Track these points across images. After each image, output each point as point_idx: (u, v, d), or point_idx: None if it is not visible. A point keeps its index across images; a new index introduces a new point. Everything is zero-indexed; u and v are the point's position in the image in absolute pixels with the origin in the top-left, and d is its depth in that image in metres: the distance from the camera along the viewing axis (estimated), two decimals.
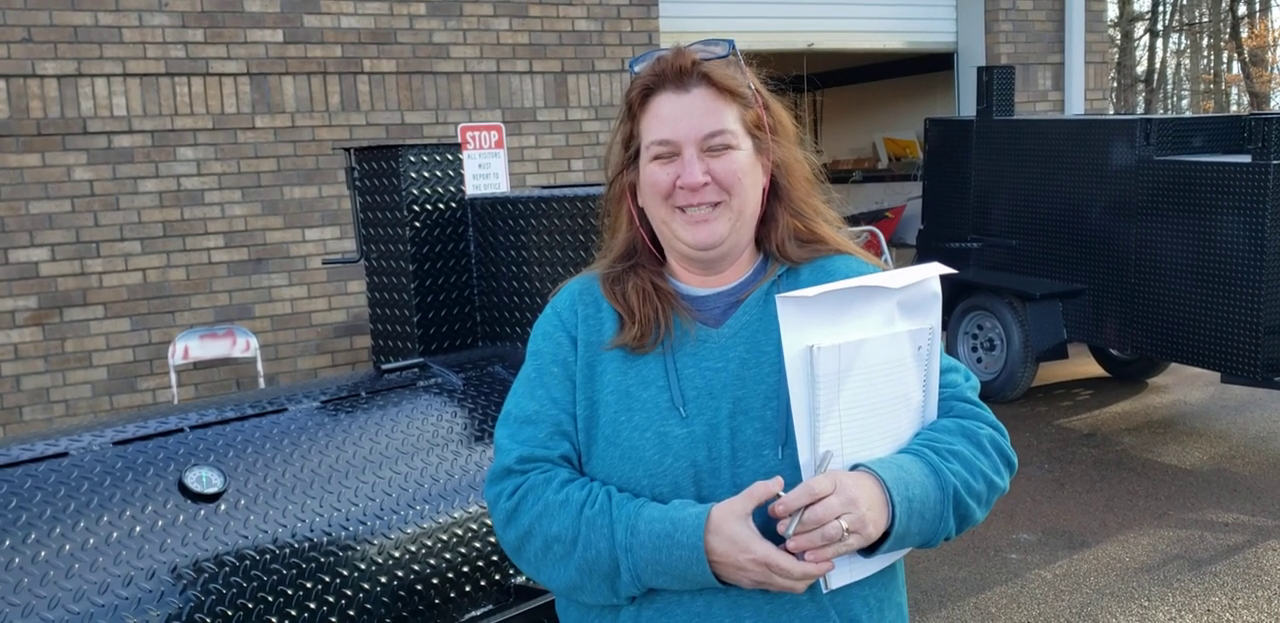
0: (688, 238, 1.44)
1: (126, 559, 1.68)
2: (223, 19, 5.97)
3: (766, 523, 1.29)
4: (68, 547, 1.65)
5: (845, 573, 1.34)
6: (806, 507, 1.25)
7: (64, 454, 1.79)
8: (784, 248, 1.51)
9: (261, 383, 5.99)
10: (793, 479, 1.32)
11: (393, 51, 6.44)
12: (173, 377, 5.76)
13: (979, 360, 7.25)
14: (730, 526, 1.28)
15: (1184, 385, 7.41)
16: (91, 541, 1.68)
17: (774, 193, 1.52)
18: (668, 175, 1.43)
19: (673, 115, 1.43)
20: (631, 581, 1.33)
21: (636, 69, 1.49)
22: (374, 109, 6.41)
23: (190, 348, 5.79)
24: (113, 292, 5.88)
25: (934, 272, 1.42)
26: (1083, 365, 7.84)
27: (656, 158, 1.45)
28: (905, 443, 1.41)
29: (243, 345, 5.91)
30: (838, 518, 1.25)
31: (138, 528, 1.73)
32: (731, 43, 1.48)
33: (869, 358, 1.35)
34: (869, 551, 1.33)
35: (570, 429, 1.45)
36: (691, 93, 1.44)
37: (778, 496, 1.27)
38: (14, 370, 5.67)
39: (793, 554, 1.26)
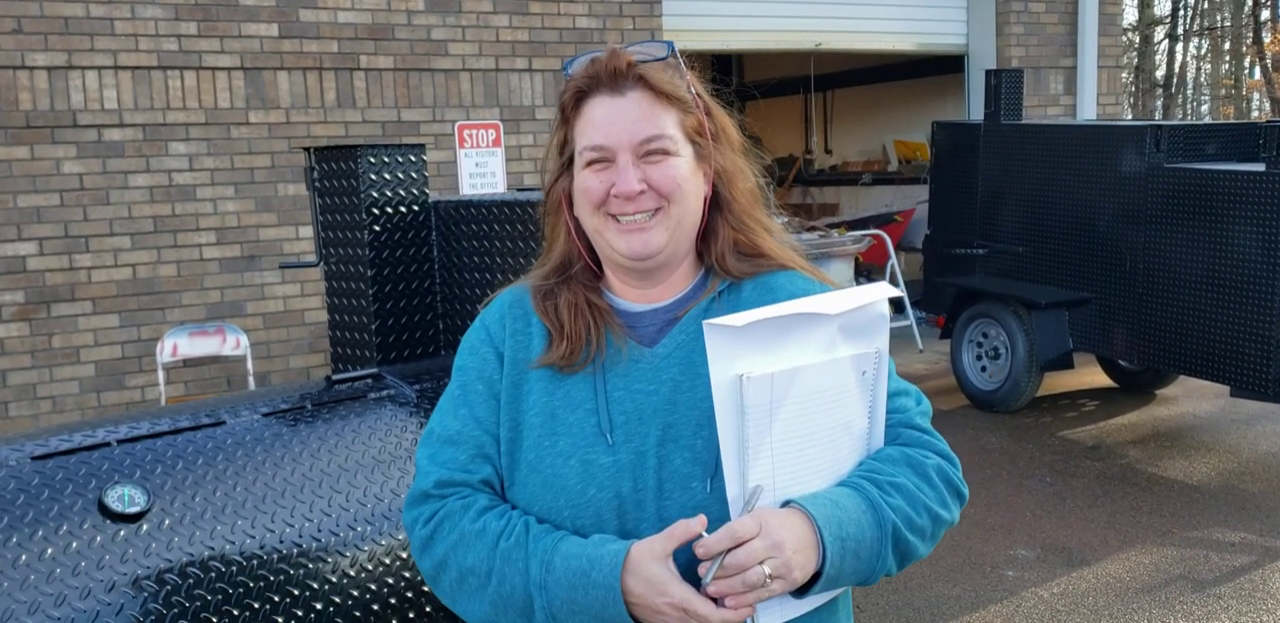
0: (622, 247, 1.36)
1: (35, 584, 1.58)
2: (216, 12, 5.88)
3: (690, 562, 1.21)
4: None
5: (775, 614, 1.26)
6: (728, 551, 1.18)
7: None
8: (724, 262, 1.42)
9: (251, 382, 5.90)
10: (720, 514, 1.25)
11: (390, 48, 6.34)
12: (160, 375, 5.67)
13: (983, 369, 7.11)
14: (648, 566, 1.21)
15: (1192, 397, 7.26)
16: None
17: (715, 204, 1.43)
18: (601, 183, 1.35)
19: (606, 119, 1.35)
20: (546, 619, 1.26)
21: (570, 71, 1.40)
22: (370, 106, 6.32)
23: (179, 345, 5.70)
24: (101, 287, 5.80)
25: (880, 294, 1.33)
26: (1089, 375, 7.69)
27: (590, 164, 1.36)
28: (846, 474, 1.33)
29: (233, 343, 5.81)
30: (761, 563, 1.18)
31: (49, 551, 1.62)
32: (671, 44, 1.40)
33: (806, 386, 1.26)
34: (801, 591, 1.25)
35: (493, 452, 1.38)
36: (627, 96, 1.36)
37: (701, 535, 1.20)
38: (0, 366, 5.59)
39: (713, 599, 1.19)
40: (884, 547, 1.27)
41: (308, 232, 6.25)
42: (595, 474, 1.32)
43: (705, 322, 1.22)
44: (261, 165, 6.08)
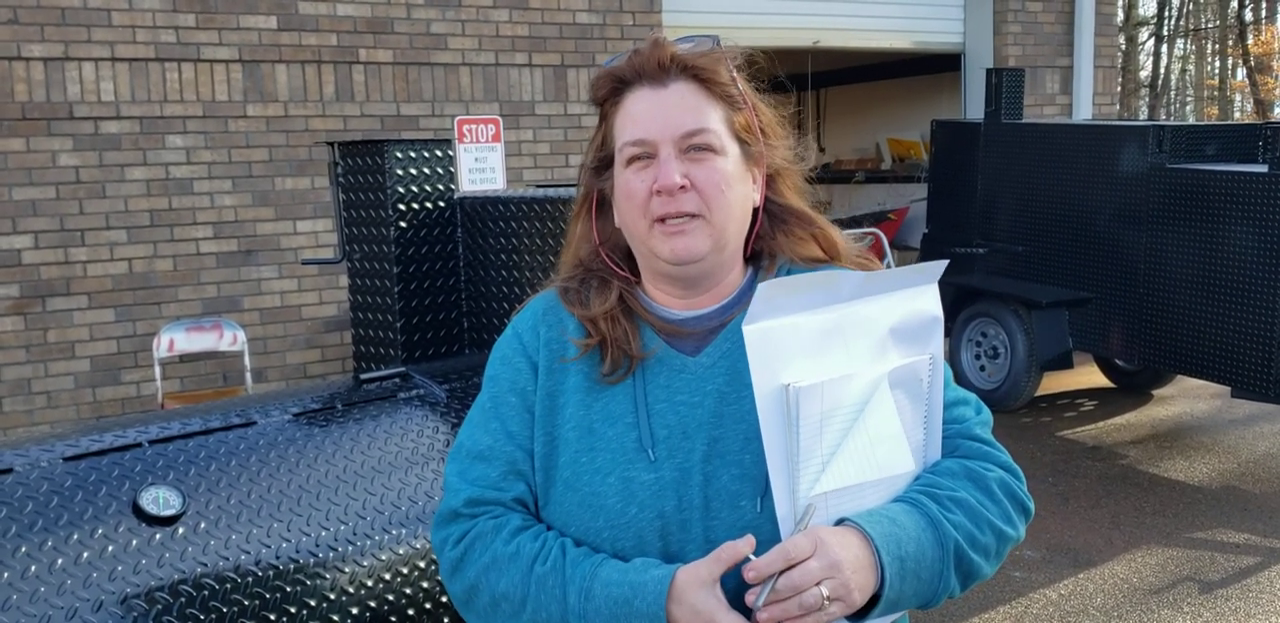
0: (665, 252, 1.26)
1: (71, 589, 1.54)
2: (215, 4, 5.81)
3: (739, 588, 1.13)
4: (6, 575, 1.50)
5: None
6: (782, 572, 1.10)
7: (8, 471, 1.64)
8: (775, 266, 1.34)
9: (248, 378, 5.85)
10: (771, 535, 1.17)
11: (389, 42, 6.28)
12: (157, 370, 5.61)
13: (982, 368, 7.11)
14: (694, 594, 1.13)
15: (1189, 398, 7.28)
16: (33, 568, 1.53)
17: (770, 204, 1.35)
18: (643, 182, 1.25)
19: (647, 112, 1.26)
20: None
21: (610, 65, 1.31)
22: (369, 100, 6.26)
23: (176, 341, 5.63)
24: (97, 281, 5.72)
25: (933, 272, 1.24)
26: (1086, 375, 7.70)
27: (631, 162, 1.27)
28: (902, 490, 1.24)
29: (230, 339, 5.75)
30: (818, 584, 1.10)
31: (85, 554, 1.58)
32: (716, 38, 1.32)
33: (858, 395, 1.17)
34: (858, 615, 1.17)
35: (526, 468, 1.29)
36: (670, 87, 1.26)
37: (749, 558, 1.12)
38: None
39: None
40: (946, 567, 1.19)
41: (305, 226, 6.19)
42: (636, 492, 1.24)
43: (745, 326, 1.14)
44: (259, 159, 6.02)
